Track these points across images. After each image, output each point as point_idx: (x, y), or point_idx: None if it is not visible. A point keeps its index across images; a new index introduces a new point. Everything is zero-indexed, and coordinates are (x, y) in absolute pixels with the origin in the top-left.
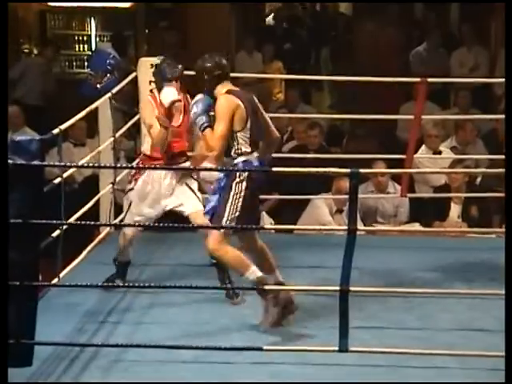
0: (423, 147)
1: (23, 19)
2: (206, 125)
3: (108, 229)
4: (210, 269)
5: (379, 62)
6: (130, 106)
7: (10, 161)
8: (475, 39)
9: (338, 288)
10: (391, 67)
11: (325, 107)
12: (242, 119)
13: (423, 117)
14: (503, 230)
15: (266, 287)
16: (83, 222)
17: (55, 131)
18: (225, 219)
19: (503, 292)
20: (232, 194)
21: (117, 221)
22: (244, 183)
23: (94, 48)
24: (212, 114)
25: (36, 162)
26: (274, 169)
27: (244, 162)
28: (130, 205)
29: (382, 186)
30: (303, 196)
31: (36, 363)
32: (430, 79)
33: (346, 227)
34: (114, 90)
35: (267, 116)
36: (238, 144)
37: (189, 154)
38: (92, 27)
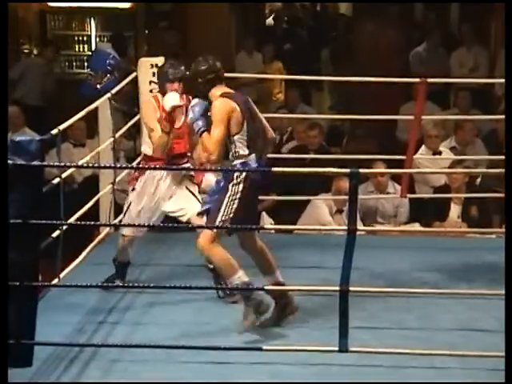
0: (423, 147)
1: (23, 19)
2: (202, 129)
3: (108, 229)
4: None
5: (379, 63)
6: (130, 107)
7: (9, 161)
8: (475, 39)
9: (337, 288)
10: (391, 67)
11: (325, 107)
12: (239, 122)
13: (423, 117)
14: (503, 230)
15: (266, 287)
16: (83, 223)
17: (54, 131)
18: (218, 220)
19: (503, 292)
20: (228, 195)
21: (116, 221)
22: (241, 185)
23: (93, 48)
24: (209, 114)
25: (36, 163)
26: (274, 169)
27: (242, 164)
28: (130, 205)
29: (381, 187)
30: (303, 196)
31: (36, 363)
32: (429, 79)
33: (345, 227)
34: (114, 91)
35: (262, 116)
36: (235, 147)
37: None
38: (92, 27)
